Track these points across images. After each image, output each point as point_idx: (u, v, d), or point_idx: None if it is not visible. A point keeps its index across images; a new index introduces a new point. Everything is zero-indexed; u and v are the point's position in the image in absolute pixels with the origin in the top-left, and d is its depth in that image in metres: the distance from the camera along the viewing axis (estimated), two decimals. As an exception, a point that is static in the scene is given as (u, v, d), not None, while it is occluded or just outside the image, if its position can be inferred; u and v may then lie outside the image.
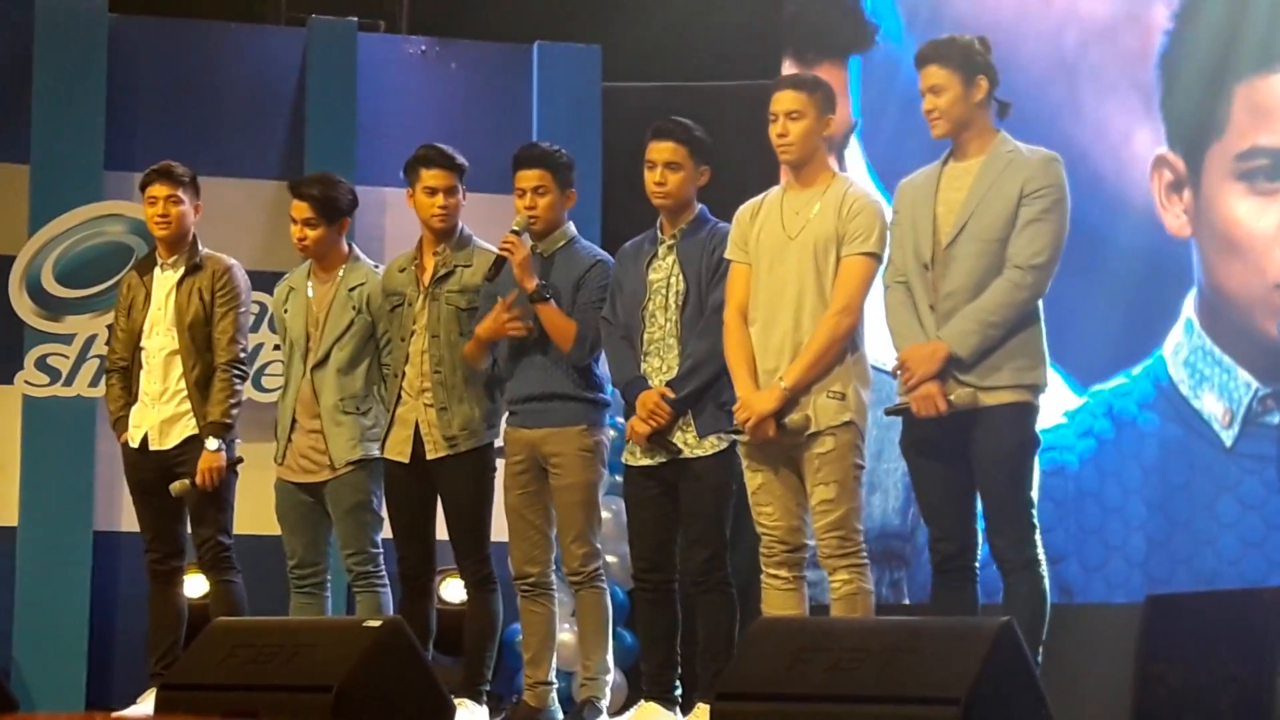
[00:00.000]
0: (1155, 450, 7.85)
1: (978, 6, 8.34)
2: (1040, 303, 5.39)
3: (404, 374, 6.35)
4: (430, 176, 6.38)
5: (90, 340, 8.58)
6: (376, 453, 6.47)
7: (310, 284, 6.62)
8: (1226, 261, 7.71)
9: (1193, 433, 7.71)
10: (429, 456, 6.30)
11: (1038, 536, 5.35)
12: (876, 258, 5.58)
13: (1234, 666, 4.28)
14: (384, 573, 6.51)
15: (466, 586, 6.44)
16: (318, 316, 6.55)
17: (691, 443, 5.83)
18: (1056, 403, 7.57)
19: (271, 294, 6.91)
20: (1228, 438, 7.70)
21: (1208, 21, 7.86)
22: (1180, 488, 7.73)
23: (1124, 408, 7.91)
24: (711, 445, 5.83)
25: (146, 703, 6.49)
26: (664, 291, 5.93)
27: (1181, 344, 7.79)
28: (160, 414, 6.70)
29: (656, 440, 5.84)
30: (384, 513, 6.54)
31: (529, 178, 6.21)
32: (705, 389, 5.82)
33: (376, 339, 6.52)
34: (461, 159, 6.45)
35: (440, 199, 6.37)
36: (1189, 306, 7.79)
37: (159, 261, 6.81)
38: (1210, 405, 7.69)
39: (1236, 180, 7.68)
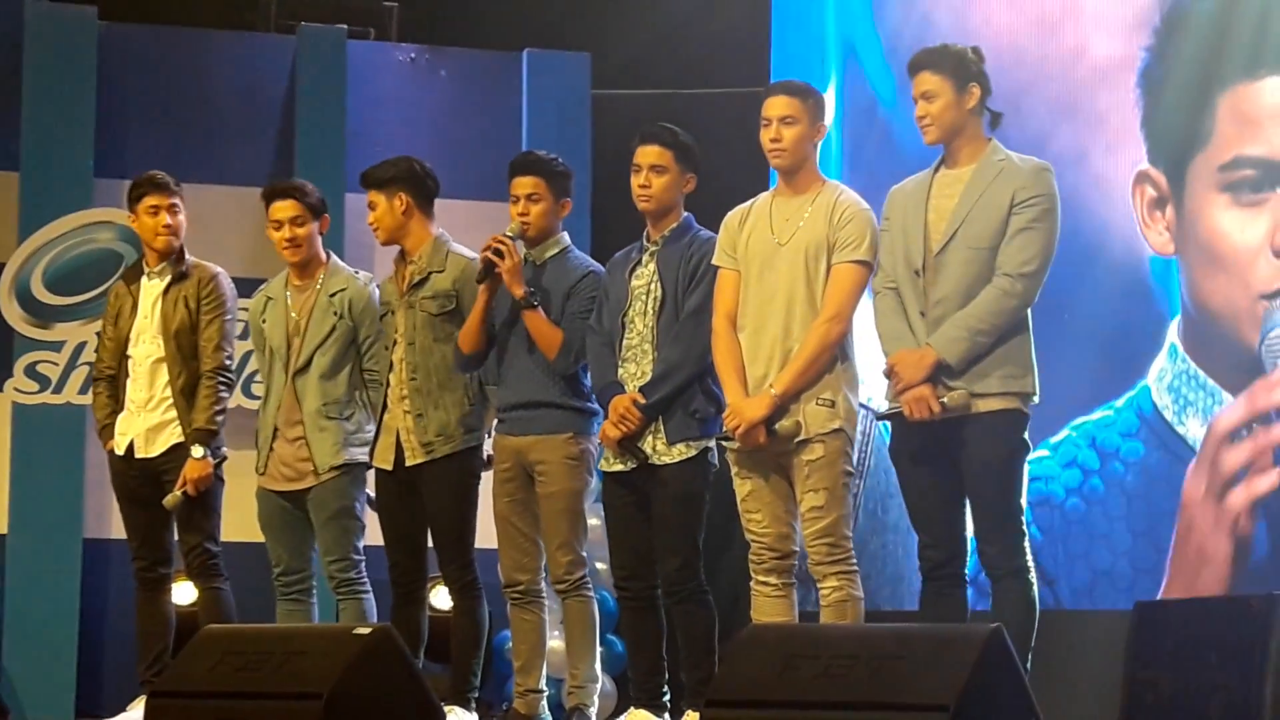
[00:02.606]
0: (1140, 478, 7.80)
1: (960, 28, 8.30)
2: (1030, 312, 5.40)
3: (389, 382, 6.36)
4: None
5: (80, 348, 8.58)
6: (359, 458, 6.48)
7: (289, 292, 6.63)
8: (1210, 276, 7.66)
9: (1177, 459, 7.66)
10: (408, 463, 6.31)
11: (1027, 544, 5.36)
12: (867, 266, 5.58)
13: (1222, 673, 4.29)
14: (366, 579, 6.51)
15: (451, 593, 6.44)
16: (299, 323, 6.55)
17: (661, 449, 5.83)
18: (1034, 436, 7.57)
19: (259, 302, 6.90)
20: None
21: (1191, 33, 7.82)
22: (1167, 514, 7.70)
23: (1107, 439, 7.87)
24: (680, 452, 5.82)
25: (136, 710, 6.49)
26: (644, 298, 5.93)
27: (1165, 369, 7.74)
28: (146, 422, 6.70)
29: (625, 445, 5.84)
30: (366, 519, 6.55)
31: (523, 184, 6.22)
32: (676, 395, 5.82)
33: (358, 344, 6.53)
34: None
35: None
36: (1173, 332, 7.76)
37: (146, 270, 6.82)
38: (1195, 430, 7.62)
39: (1220, 192, 7.62)
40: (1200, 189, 7.66)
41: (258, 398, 6.89)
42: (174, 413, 6.68)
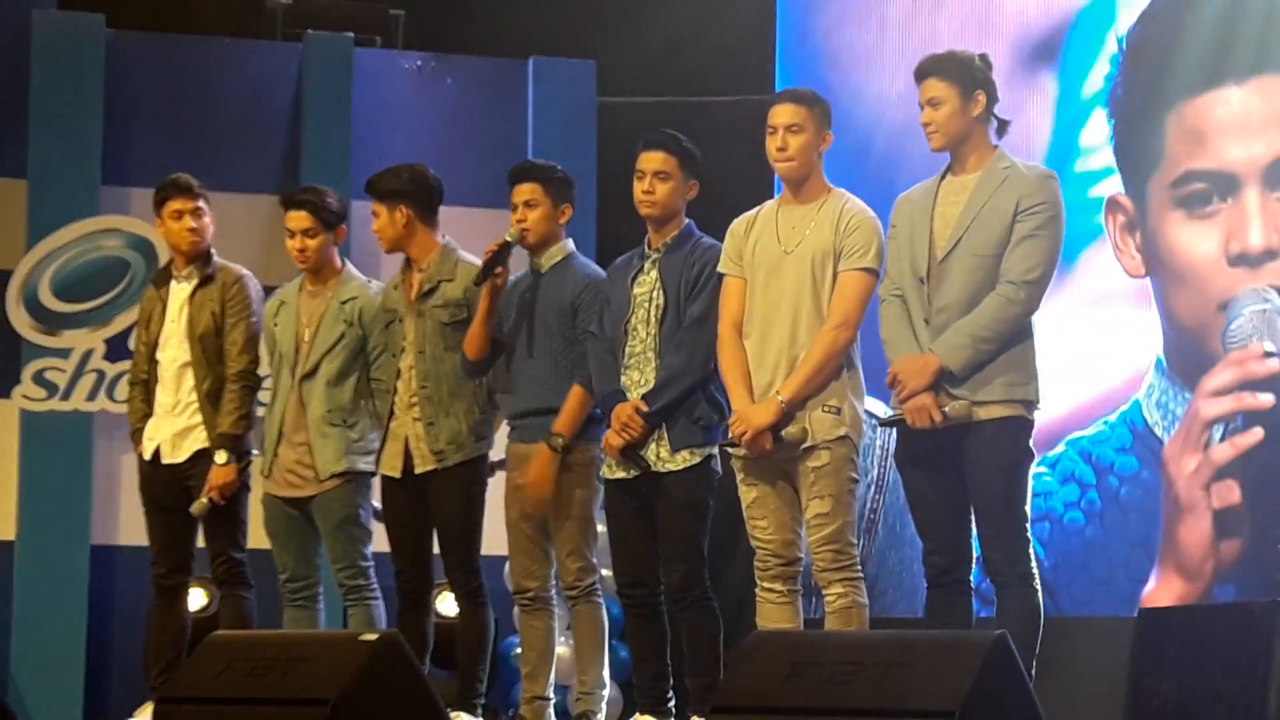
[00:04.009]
0: (1136, 492, 7.84)
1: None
2: (1033, 319, 5.41)
3: (396, 389, 6.37)
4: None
5: (87, 355, 8.60)
6: (362, 466, 6.48)
7: (301, 297, 6.64)
8: (1177, 292, 7.77)
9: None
10: (417, 470, 6.31)
11: (1031, 550, 5.37)
12: (874, 273, 5.59)
13: (1226, 680, 4.30)
14: (376, 585, 6.51)
15: (457, 599, 6.45)
16: (308, 329, 6.56)
17: (664, 457, 5.82)
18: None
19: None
20: None
21: (1145, 56, 7.91)
22: (1161, 525, 7.75)
23: (1102, 454, 7.91)
24: (684, 460, 5.81)
25: (144, 716, 6.50)
26: (646, 305, 5.93)
27: (1154, 385, 7.81)
28: (173, 427, 6.69)
29: (628, 454, 5.84)
30: (372, 525, 6.56)
31: (521, 191, 6.23)
32: (679, 402, 5.81)
33: (367, 353, 6.53)
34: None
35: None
36: (1159, 347, 7.82)
37: (174, 274, 6.81)
38: None
39: (1175, 208, 7.72)
40: (1158, 208, 7.79)
41: (261, 404, 6.90)
42: (199, 417, 6.66)
